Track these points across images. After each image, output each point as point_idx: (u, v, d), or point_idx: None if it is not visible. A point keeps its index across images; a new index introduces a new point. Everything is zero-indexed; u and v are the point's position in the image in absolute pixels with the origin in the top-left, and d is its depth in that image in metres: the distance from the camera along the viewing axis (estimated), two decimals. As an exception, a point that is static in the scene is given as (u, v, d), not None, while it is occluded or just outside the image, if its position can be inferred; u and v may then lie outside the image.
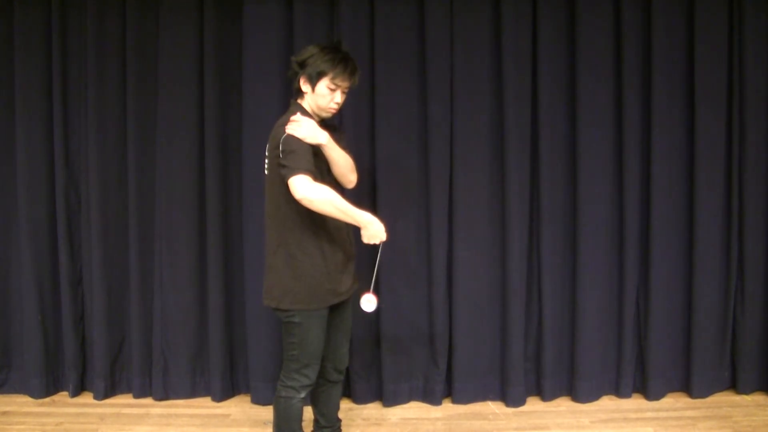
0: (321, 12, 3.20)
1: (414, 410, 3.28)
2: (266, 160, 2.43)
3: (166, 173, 3.30)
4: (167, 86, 3.26)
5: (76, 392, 3.43)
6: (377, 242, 2.40)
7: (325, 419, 2.72)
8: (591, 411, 3.23)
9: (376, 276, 2.57)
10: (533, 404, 3.31)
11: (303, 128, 2.34)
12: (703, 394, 3.31)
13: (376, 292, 3.19)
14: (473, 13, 3.18)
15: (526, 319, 3.30)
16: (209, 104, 3.24)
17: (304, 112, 2.41)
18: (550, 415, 3.21)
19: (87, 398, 3.41)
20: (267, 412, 3.13)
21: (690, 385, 3.32)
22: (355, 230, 2.43)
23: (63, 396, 3.44)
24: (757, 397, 3.32)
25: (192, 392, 3.40)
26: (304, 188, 2.25)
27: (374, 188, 3.22)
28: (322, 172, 2.42)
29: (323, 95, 2.40)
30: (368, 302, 2.52)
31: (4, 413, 3.27)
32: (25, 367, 3.43)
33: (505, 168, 3.21)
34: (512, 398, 3.28)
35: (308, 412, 2.66)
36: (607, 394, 3.36)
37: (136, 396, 3.40)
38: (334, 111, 2.46)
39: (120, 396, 3.43)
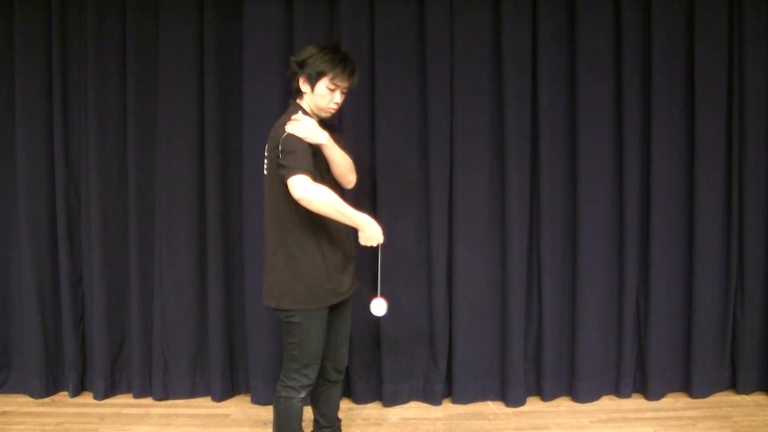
0: (321, 12, 3.20)
1: (414, 410, 3.28)
2: (265, 161, 2.43)
3: (166, 173, 3.30)
4: (167, 86, 3.26)
5: (76, 392, 3.43)
6: (374, 244, 2.41)
7: (325, 419, 2.72)
8: (591, 411, 3.23)
9: (378, 275, 2.56)
10: (533, 404, 3.31)
11: (304, 127, 2.34)
12: (703, 394, 3.31)
13: (377, 293, 3.21)
14: (473, 13, 3.18)
15: (526, 319, 3.30)
16: (209, 104, 3.24)
17: (304, 113, 2.41)
18: (550, 415, 3.21)
19: (87, 398, 3.42)
20: (267, 412, 3.13)
21: (690, 385, 3.32)
22: (354, 231, 2.43)
23: (63, 396, 3.44)
24: (757, 397, 3.32)
25: (192, 392, 3.40)
26: (303, 188, 2.25)
27: (374, 188, 3.22)
28: (321, 172, 2.42)
29: (322, 95, 2.40)
30: (378, 307, 2.53)
31: (4, 413, 3.27)
32: (25, 367, 3.43)
33: (505, 168, 3.21)
34: (512, 398, 3.28)
35: (308, 412, 2.66)
36: (607, 394, 3.36)
37: (136, 396, 3.40)
38: (333, 111, 2.46)
39: (120, 396, 3.43)
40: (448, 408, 3.30)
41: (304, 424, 2.54)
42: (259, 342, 3.28)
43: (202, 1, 3.23)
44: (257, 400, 3.32)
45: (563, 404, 3.31)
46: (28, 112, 3.31)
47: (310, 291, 2.40)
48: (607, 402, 3.32)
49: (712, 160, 3.22)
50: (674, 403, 3.30)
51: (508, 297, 3.25)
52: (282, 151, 2.30)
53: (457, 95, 3.19)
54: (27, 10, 3.28)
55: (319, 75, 2.38)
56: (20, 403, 3.38)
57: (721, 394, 3.36)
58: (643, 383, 3.33)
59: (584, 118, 3.20)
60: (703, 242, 3.24)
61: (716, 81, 3.20)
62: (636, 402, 3.31)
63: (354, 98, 3.04)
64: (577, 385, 3.30)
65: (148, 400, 3.38)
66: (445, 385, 3.33)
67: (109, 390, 3.40)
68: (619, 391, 3.34)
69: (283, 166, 2.30)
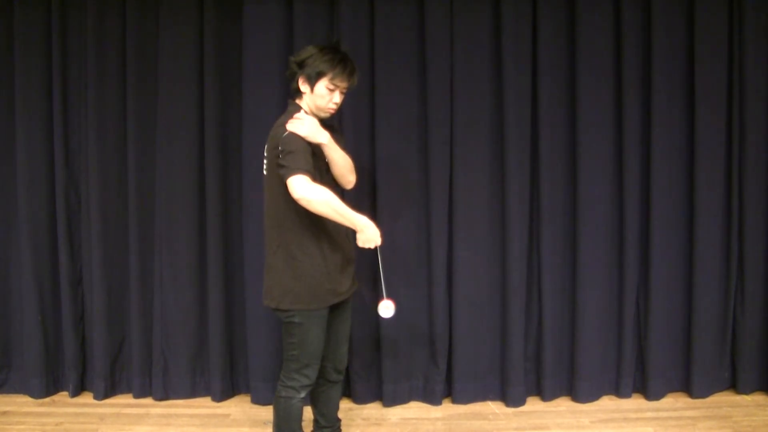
0: (321, 12, 3.20)
1: (414, 410, 3.28)
2: (265, 161, 2.43)
3: (166, 173, 3.30)
4: (167, 86, 3.26)
5: (76, 392, 3.43)
6: (371, 246, 2.41)
7: (324, 419, 2.72)
8: (591, 411, 3.23)
9: (381, 278, 2.56)
10: (533, 404, 3.31)
11: (305, 126, 2.34)
12: (703, 394, 3.31)
13: (377, 292, 3.21)
14: (473, 13, 3.18)
15: (526, 319, 3.30)
16: (209, 104, 3.24)
17: (303, 113, 2.41)
18: (550, 415, 3.21)
19: (87, 398, 3.42)
20: (267, 412, 3.13)
21: (690, 385, 3.32)
22: (353, 232, 2.43)
23: (63, 396, 3.44)
24: (757, 397, 3.32)
25: (192, 392, 3.40)
26: (303, 188, 2.25)
27: (374, 188, 3.22)
28: (321, 172, 2.43)
29: (322, 95, 2.40)
30: (386, 309, 2.54)
31: (4, 413, 3.27)
32: (25, 367, 3.43)
33: (505, 168, 3.21)
34: (512, 398, 3.28)
35: (308, 412, 2.66)
36: (607, 394, 3.36)
37: (136, 396, 3.40)
38: (332, 111, 2.47)
39: (120, 396, 3.43)
40: (448, 408, 3.30)
41: (304, 424, 2.54)
42: (259, 342, 3.28)
43: (202, 1, 3.23)
44: (257, 400, 3.32)
45: (563, 404, 3.31)
46: (28, 112, 3.31)
47: (310, 291, 2.40)
48: (607, 402, 3.32)
49: (712, 160, 3.22)
50: (674, 403, 3.29)
51: (508, 297, 3.25)
52: (282, 151, 2.30)
53: (457, 95, 3.19)
54: (27, 10, 3.28)
55: (319, 75, 2.38)
56: (20, 403, 3.38)
57: (721, 394, 3.36)
58: (643, 383, 3.33)
59: (584, 118, 3.20)
60: (703, 242, 3.24)
61: (716, 81, 3.20)
62: (636, 402, 3.31)
63: (354, 98, 3.04)
64: (577, 385, 3.30)
65: (148, 400, 3.38)
66: (445, 385, 3.33)
67: (109, 390, 3.40)
68: (619, 391, 3.34)
69: (282, 166, 2.30)
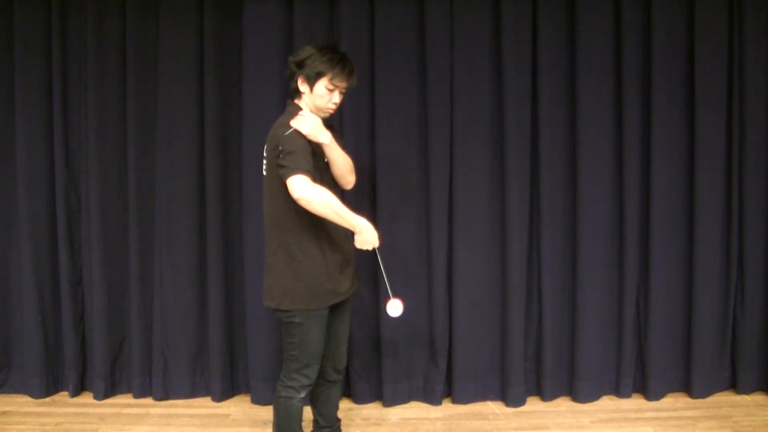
0: (321, 12, 3.20)
1: (414, 410, 3.28)
2: (264, 161, 2.43)
3: (166, 173, 3.30)
4: (167, 86, 3.26)
5: (76, 392, 3.43)
6: (369, 248, 2.41)
7: (324, 419, 2.72)
8: (591, 411, 3.23)
9: (384, 278, 2.56)
10: (533, 404, 3.31)
11: (308, 124, 2.34)
12: (703, 394, 3.31)
13: (377, 292, 3.21)
14: (473, 13, 3.18)
15: (526, 319, 3.30)
16: (209, 104, 3.24)
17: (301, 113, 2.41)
18: (550, 415, 3.21)
19: (87, 398, 3.42)
20: (267, 412, 3.13)
21: (690, 385, 3.32)
22: (352, 233, 2.43)
23: (63, 396, 3.44)
24: (757, 397, 3.32)
25: (192, 392, 3.40)
26: (302, 188, 2.25)
27: (374, 188, 3.22)
28: (320, 171, 2.43)
29: (321, 95, 2.40)
30: (394, 308, 2.55)
31: (4, 413, 3.27)
32: (25, 367, 3.43)
33: (505, 168, 3.21)
34: (512, 398, 3.28)
35: (308, 412, 2.66)
36: (607, 394, 3.36)
37: (136, 396, 3.40)
38: (331, 111, 2.47)
39: (120, 396, 3.43)
40: (448, 408, 3.30)
41: (303, 424, 2.54)
42: (259, 342, 3.28)
43: (202, 1, 3.23)
44: (257, 400, 3.32)
45: (563, 404, 3.31)
46: (28, 112, 3.31)
47: (310, 291, 2.40)
48: (607, 402, 3.32)
49: (712, 160, 3.22)
50: (674, 403, 3.29)
51: (508, 297, 3.25)
52: (282, 151, 2.30)
53: (457, 95, 3.19)
54: (27, 10, 3.28)
55: (318, 75, 2.38)
56: (20, 403, 3.38)
57: (721, 394, 3.36)
58: (643, 383, 3.33)
59: (584, 118, 3.20)
60: (703, 242, 3.24)
61: (716, 81, 3.20)
62: (636, 402, 3.31)
63: (354, 98, 3.04)
64: (577, 385, 3.30)
65: (148, 400, 3.38)
66: (445, 385, 3.33)
67: (109, 390, 3.40)
68: (619, 391, 3.34)
69: (282, 167, 2.30)
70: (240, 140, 3.27)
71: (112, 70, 3.29)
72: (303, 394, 2.45)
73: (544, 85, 3.20)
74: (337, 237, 2.46)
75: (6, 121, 3.36)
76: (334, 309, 2.52)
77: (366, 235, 2.39)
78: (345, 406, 3.25)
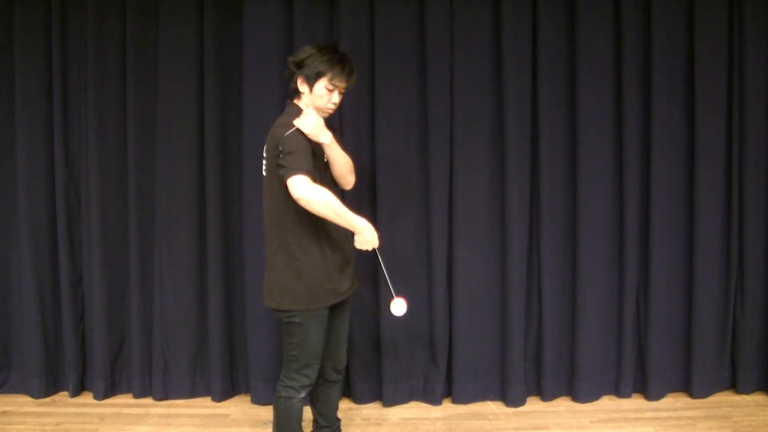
0: (321, 12, 3.20)
1: (414, 410, 3.28)
2: (264, 162, 2.43)
3: (166, 173, 3.30)
4: (167, 86, 3.26)
5: (76, 392, 3.43)
6: (369, 249, 2.41)
7: (324, 419, 2.72)
8: (591, 411, 3.23)
9: (386, 278, 2.56)
10: (533, 404, 3.31)
11: (310, 123, 2.34)
12: (703, 394, 3.31)
13: (377, 292, 3.21)
14: (473, 13, 3.18)
15: (526, 319, 3.30)
16: (209, 104, 3.24)
17: (301, 113, 2.41)
18: (550, 415, 3.21)
19: (87, 398, 3.42)
20: (267, 412, 3.13)
21: (690, 385, 3.32)
22: (352, 233, 2.43)
23: (63, 396, 3.44)
24: (757, 397, 3.32)
25: (192, 392, 3.40)
26: (303, 189, 2.25)
27: (374, 188, 3.22)
28: (320, 171, 2.43)
29: (321, 96, 2.40)
30: (398, 307, 2.55)
31: (4, 413, 3.27)
32: (25, 367, 3.43)
33: (505, 168, 3.21)
34: (512, 398, 3.28)
35: (308, 412, 2.66)
36: (607, 394, 3.36)
37: (136, 396, 3.40)
38: (331, 111, 2.47)
39: (120, 396, 3.43)
40: (448, 408, 3.30)
41: (303, 424, 2.54)
42: (259, 342, 3.28)
43: (202, 1, 3.23)
44: (257, 400, 3.32)
45: (563, 404, 3.31)
46: (28, 112, 3.31)
47: (311, 291, 2.40)
48: (607, 402, 3.32)
49: (712, 160, 3.22)
50: (674, 403, 3.29)
51: (508, 297, 3.25)
52: (282, 151, 2.31)
53: (457, 95, 3.19)
54: (27, 10, 3.28)
55: (318, 75, 2.38)
56: (20, 403, 3.38)
57: (721, 394, 3.36)
58: (643, 383, 3.33)
59: (584, 118, 3.20)
60: (703, 242, 3.24)
61: (716, 81, 3.19)
62: (636, 402, 3.31)
63: (354, 98, 3.04)
64: (577, 385, 3.30)
65: (148, 400, 3.38)
66: (445, 385, 3.33)
67: (109, 390, 3.40)
68: (619, 391, 3.34)
69: (282, 167, 2.30)
70: (240, 140, 3.27)
71: (112, 70, 3.29)
72: (303, 394, 2.45)
73: (544, 85, 3.20)
74: (337, 237, 2.46)
75: (6, 121, 3.36)
76: (334, 309, 2.52)
77: (366, 236, 2.39)
78: (345, 406, 3.25)
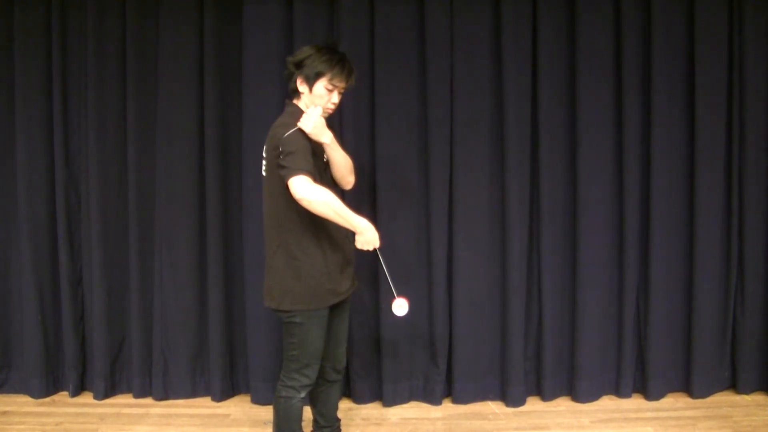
0: (321, 12, 3.20)
1: (414, 410, 3.28)
2: (264, 162, 2.43)
3: (166, 173, 3.30)
4: (167, 86, 3.26)
5: (76, 392, 3.43)
6: (370, 249, 2.41)
7: (324, 419, 2.72)
8: (591, 411, 3.23)
9: (387, 278, 2.56)
10: (533, 404, 3.31)
11: (311, 122, 2.34)
12: (703, 394, 3.31)
13: (377, 292, 3.21)
14: (473, 13, 3.18)
15: (526, 319, 3.30)
16: (209, 104, 3.24)
17: (301, 113, 2.41)
18: (550, 415, 3.21)
19: (87, 398, 3.42)
20: (267, 412, 3.13)
21: (690, 385, 3.32)
22: (352, 233, 2.43)
23: (63, 396, 3.44)
24: (757, 397, 3.32)
25: (192, 392, 3.40)
26: (304, 189, 2.25)
27: (374, 188, 3.22)
28: (320, 171, 2.43)
29: (320, 96, 2.40)
30: (399, 307, 2.55)
31: (4, 413, 3.27)
32: (25, 367, 3.43)
33: (505, 168, 3.21)
34: (512, 398, 3.28)
35: (308, 412, 2.66)
36: (607, 394, 3.36)
37: (136, 396, 3.40)
38: (330, 111, 2.47)
39: (120, 396, 3.43)
40: (448, 408, 3.30)
41: (303, 424, 2.54)
42: (259, 342, 3.28)
43: (202, 1, 3.23)
44: (257, 400, 3.32)
45: (563, 404, 3.31)
46: (28, 112, 3.31)
47: (311, 291, 2.40)
48: (607, 402, 3.32)
49: (712, 160, 3.22)
50: (674, 403, 3.29)
51: (508, 297, 3.25)
52: (282, 151, 2.30)
53: (457, 95, 3.19)
54: (27, 10, 3.28)
55: (317, 75, 2.38)
56: (20, 403, 3.38)
57: (721, 394, 3.36)
58: (643, 383, 3.33)
59: (584, 118, 3.20)
60: (703, 242, 3.24)
61: (716, 81, 3.19)
62: (636, 402, 3.31)
63: (354, 98, 3.04)
64: (577, 385, 3.30)
65: (148, 400, 3.38)
66: (445, 385, 3.33)
67: (109, 390, 3.40)
68: (619, 391, 3.34)
69: (283, 167, 2.30)
70: (240, 140, 3.27)
71: (112, 70, 3.29)
72: (303, 394, 2.45)
73: (544, 85, 3.20)
74: (337, 237, 2.46)
75: (6, 121, 3.36)
76: (334, 309, 2.52)
77: (367, 236, 2.39)
78: (345, 406, 3.25)
